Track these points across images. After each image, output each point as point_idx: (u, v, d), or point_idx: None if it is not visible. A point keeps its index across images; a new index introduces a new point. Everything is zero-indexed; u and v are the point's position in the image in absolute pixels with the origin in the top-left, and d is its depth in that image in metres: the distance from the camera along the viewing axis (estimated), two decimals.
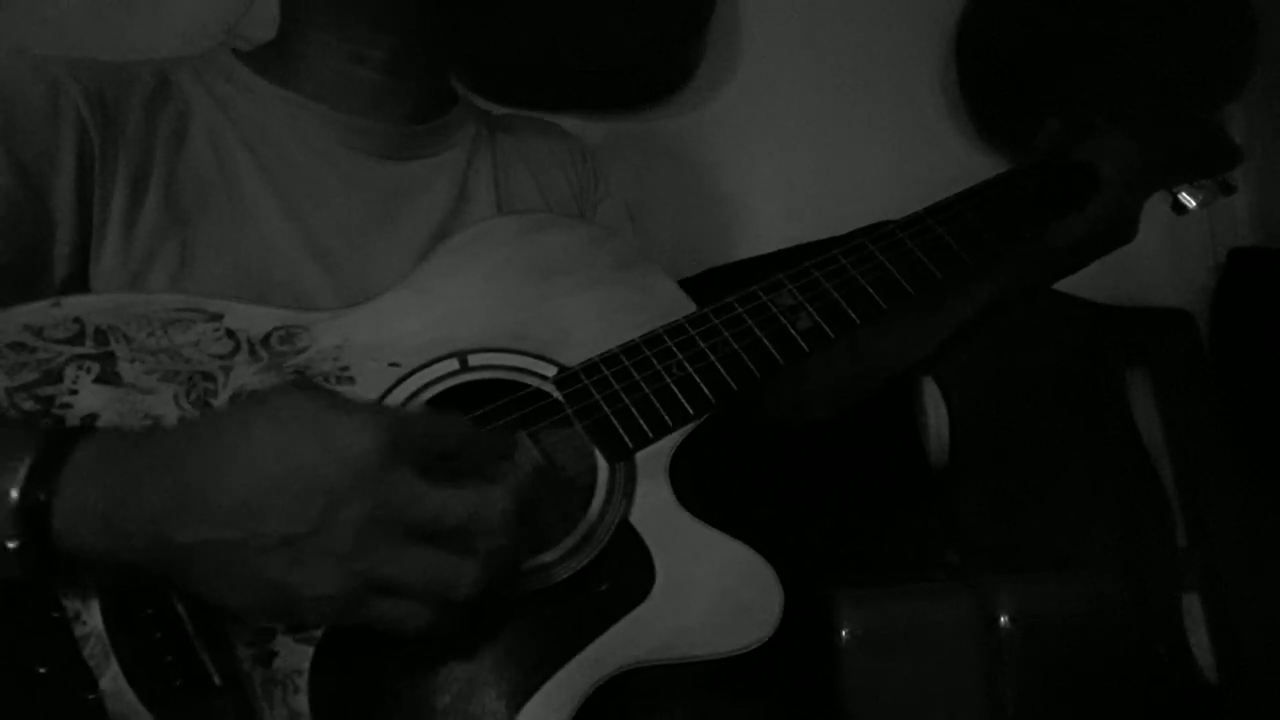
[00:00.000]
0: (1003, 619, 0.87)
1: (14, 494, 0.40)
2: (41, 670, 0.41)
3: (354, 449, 0.41)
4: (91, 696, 0.41)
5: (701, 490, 0.56)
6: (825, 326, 0.59)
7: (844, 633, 0.84)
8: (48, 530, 0.40)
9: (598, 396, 0.55)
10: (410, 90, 0.71)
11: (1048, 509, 1.16)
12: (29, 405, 0.47)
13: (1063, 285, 0.88)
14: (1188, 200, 0.79)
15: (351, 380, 0.53)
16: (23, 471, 0.40)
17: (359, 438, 0.41)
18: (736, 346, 0.58)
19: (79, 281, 0.57)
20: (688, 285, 0.76)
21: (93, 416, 0.47)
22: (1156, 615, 1.17)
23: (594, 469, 0.54)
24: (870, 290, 0.61)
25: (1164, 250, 1.33)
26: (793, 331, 0.59)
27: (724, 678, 0.52)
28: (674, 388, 0.56)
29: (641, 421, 0.54)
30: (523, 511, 0.44)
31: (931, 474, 1.20)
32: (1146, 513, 1.21)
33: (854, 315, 0.60)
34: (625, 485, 0.53)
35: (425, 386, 0.54)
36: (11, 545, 0.40)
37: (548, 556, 0.50)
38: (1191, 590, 1.20)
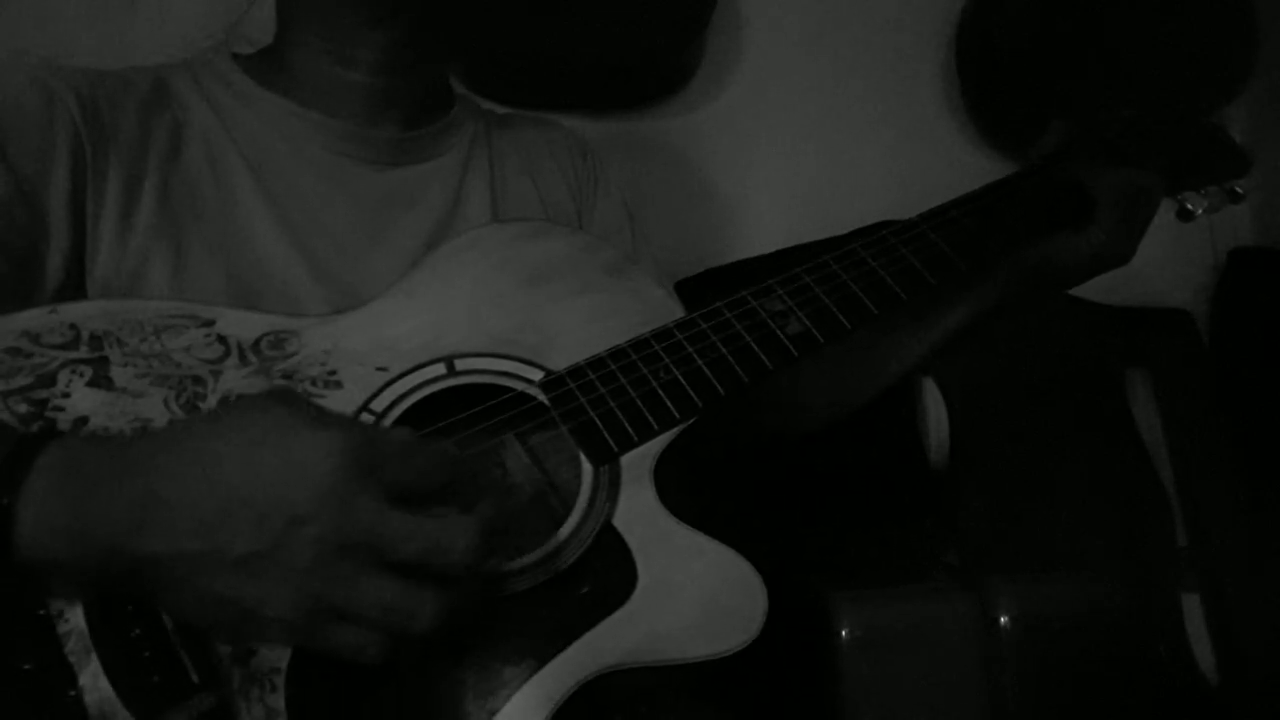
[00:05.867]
0: (1003, 619, 0.86)
1: None
2: (26, 667, 0.41)
3: (319, 467, 0.40)
4: (72, 693, 0.41)
5: (700, 491, 0.55)
6: (815, 331, 0.59)
7: (844, 634, 0.84)
8: (10, 536, 0.39)
9: (582, 400, 0.55)
10: (403, 93, 0.70)
11: (1048, 509, 1.16)
12: (23, 409, 0.47)
13: None
14: (1193, 207, 0.78)
15: (339, 384, 0.53)
16: None
17: (325, 456, 0.40)
18: (724, 350, 0.57)
19: (73, 291, 0.57)
20: (687, 285, 0.76)
21: (84, 420, 0.47)
22: (1156, 615, 1.17)
23: (581, 473, 0.53)
24: (862, 296, 0.61)
25: (1164, 250, 1.32)
26: (781, 336, 0.58)
27: (723, 679, 0.52)
28: (660, 391, 0.55)
29: (626, 424, 0.54)
30: (491, 542, 0.42)
31: (931, 475, 1.20)
32: (1146, 513, 1.21)
33: (844, 320, 0.60)
34: (609, 488, 0.53)
35: (411, 390, 0.54)
36: None
37: (530, 558, 0.50)
38: (1191, 590, 1.20)
